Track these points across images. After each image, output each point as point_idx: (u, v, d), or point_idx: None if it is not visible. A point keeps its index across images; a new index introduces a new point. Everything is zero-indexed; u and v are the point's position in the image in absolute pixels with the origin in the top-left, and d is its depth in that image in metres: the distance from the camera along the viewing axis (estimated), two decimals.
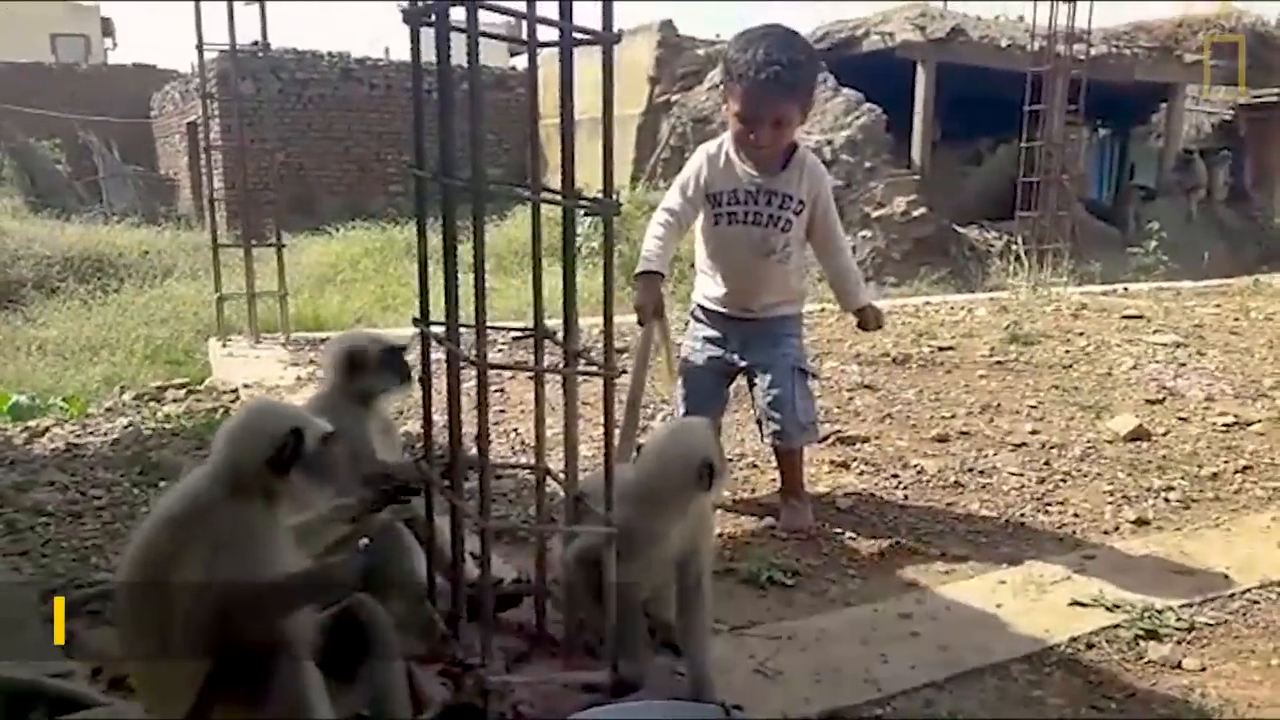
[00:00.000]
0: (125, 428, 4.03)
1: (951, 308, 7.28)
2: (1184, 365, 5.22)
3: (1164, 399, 4.57)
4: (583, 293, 1.87)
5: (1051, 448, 3.82)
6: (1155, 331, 6.18)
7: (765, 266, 2.98)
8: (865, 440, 3.88)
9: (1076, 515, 3.18)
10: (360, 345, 2.31)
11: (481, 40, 1.72)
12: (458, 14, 1.74)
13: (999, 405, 4.42)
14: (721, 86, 3.06)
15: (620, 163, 12.20)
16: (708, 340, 3.09)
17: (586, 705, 1.82)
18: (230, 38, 5.73)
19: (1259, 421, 4.21)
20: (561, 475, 1.92)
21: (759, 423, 3.08)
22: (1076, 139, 13.55)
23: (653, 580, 2.03)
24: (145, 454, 3.62)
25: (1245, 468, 3.63)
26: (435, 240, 1.89)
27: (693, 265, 3.21)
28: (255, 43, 6.06)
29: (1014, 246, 10.00)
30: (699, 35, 13.86)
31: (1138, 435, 3.94)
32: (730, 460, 3.45)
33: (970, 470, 3.56)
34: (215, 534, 1.57)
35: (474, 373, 1.75)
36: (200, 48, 5.70)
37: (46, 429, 4.09)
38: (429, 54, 1.81)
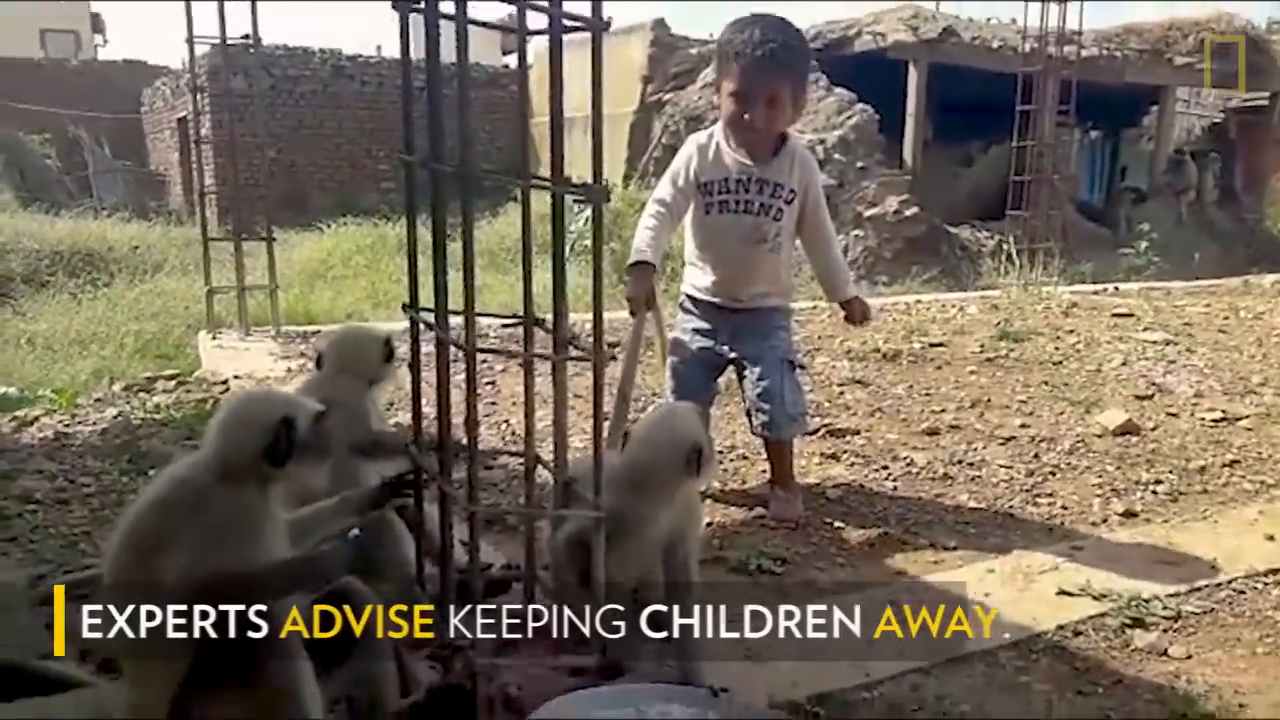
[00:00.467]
0: (114, 418, 4.01)
1: (943, 306, 7.29)
2: (1173, 362, 5.24)
3: (1153, 395, 4.59)
4: (575, 289, 1.88)
5: (1041, 441, 3.84)
6: (1145, 329, 6.20)
7: (756, 255, 2.99)
8: (855, 433, 3.89)
9: (1065, 507, 3.20)
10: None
11: (473, 38, 1.72)
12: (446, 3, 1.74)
13: (989, 400, 4.43)
14: (715, 75, 3.06)
15: (613, 161, 12.19)
16: (697, 331, 3.09)
17: (574, 688, 1.82)
18: (220, 32, 5.72)
19: (1246, 417, 4.24)
20: (551, 463, 1.92)
21: (748, 414, 3.09)
22: (1068, 140, 13.62)
23: (641, 564, 2.04)
24: (134, 443, 3.61)
25: (1232, 462, 3.65)
26: (427, 233, 1.89)
27: (684, 263, 3.22)
28: (246, 36, 6.04)
29: (1005, 246, 10.04)
30: (692, 34, 13.85)
31: (1127, 430, 3.96)
32: (720, 452, 3.46)
33: (960, 463, 3.57)
34: (206, 518, 1.56)
35: (464, 359, 1.75)
36: (191, 41, 5.68)
37: (35, 419, 4.07)
38: (419, 46, 1.82)
